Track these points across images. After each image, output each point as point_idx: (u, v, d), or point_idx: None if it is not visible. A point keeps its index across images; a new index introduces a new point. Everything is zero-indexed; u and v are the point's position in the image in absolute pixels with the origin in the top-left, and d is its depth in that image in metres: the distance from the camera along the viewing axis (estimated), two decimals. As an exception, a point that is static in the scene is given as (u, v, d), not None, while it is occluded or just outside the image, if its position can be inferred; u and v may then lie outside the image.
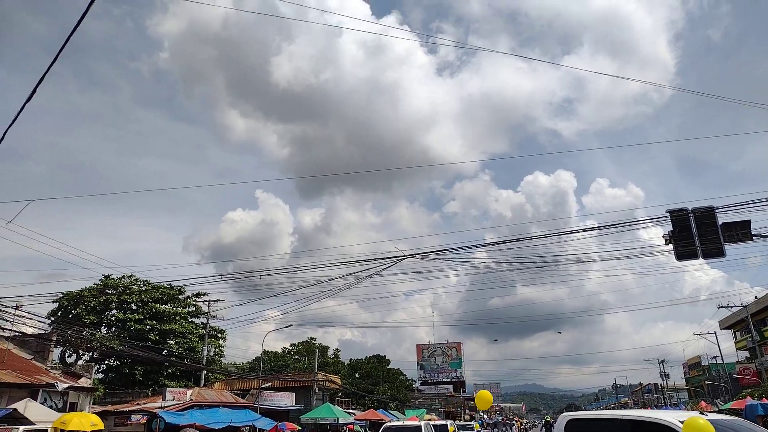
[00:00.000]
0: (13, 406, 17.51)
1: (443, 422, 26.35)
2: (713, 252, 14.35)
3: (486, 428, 40.44)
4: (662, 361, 77.06)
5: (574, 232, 35.50)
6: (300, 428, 37.89)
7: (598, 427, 7.28)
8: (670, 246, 14.92)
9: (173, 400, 29.31)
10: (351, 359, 76.37)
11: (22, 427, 14.17)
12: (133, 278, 41.99)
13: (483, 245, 19.10)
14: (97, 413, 21.76)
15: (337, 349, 77.82)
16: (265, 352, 55.19)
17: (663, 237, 15.03)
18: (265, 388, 39.12)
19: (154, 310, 40.85)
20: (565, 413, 8.41)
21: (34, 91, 7.25)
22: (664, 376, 78.06)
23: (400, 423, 21.38)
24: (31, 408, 18.02)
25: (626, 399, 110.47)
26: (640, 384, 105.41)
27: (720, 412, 30.84)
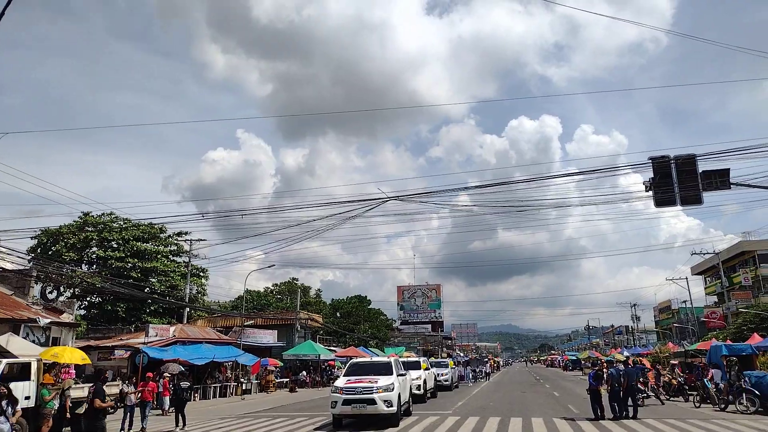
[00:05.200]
0: (-5, 340, 17.57)
1: (416, 359, 27.35)
2: (691, 199, 14.52)
3: (459, 366, 41.90)
4: (634, 305, 79.69)
5: (557, 176, 35.69)
6: (282, 364, 38.87)
7: None
8: (650, 193, 15.08)
9: (156, 336, 29.71)
10: (333, 299, 77.75)
11: (4, 360, 14.24)
12: (113, 216, 41.58)
13: (467, 188, 19.24)
14: (81, 348, 21.97)
15: (318, 290, 79.11)
16: (247, 291, 55.76)
17: (643, 183, 15.16)
18: (248, 326, 39.72)
19: (135, 249, 40.70)
20: None
21: (2, 13, 6.84)
22: (635, 318, 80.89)
23: (368, 359, 21.72)
24: (13, 342, 18.08)
25: (597, 340, 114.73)
26: (612, 326, 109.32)
27: (686, 352, 32.19)
